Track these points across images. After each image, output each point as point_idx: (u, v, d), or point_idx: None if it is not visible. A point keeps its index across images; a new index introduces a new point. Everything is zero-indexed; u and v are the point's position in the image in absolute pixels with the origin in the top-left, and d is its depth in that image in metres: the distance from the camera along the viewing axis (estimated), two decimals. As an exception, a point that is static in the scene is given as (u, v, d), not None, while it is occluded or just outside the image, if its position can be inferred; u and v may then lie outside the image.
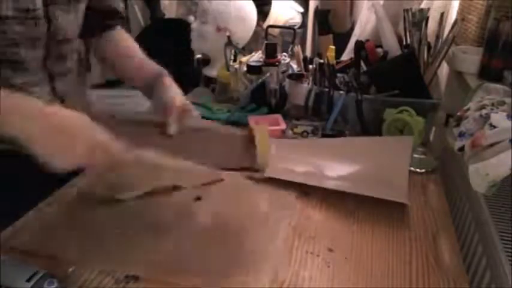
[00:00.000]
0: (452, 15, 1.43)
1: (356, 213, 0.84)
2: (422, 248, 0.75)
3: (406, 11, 1.19)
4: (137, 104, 1.74)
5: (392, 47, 1.22)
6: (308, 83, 1.24)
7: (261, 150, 0.80)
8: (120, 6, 0.98)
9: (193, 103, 1.37)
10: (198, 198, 0.87)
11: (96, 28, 0.97)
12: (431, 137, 1.21)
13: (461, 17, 1.38)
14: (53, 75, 0.87)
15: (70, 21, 0.84)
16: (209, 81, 1.66)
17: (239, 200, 0.87)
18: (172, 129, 0.85)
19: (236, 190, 0.90)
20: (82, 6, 0.88)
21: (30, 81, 0.82)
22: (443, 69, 1.39)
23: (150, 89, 0.92)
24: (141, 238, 0.75)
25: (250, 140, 0.87)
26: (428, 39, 1.19)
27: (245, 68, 1.27)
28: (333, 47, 1.32)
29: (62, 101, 0.90)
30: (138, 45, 1.01)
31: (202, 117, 1.26)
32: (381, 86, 1.15)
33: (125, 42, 1.01)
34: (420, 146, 1.05)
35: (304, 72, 1.26)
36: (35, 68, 0.82)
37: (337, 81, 1.18)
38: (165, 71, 0.95)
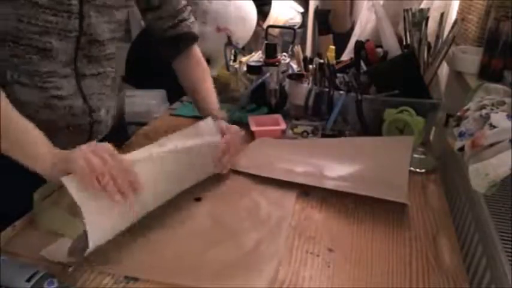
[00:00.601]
0: (452, 15, 1.43)
1: (356, 213, 0.84)
2: (422, 248, 0.75)
3: (406, 11, 1.19)
4: (134, 104, 1.75)
5: (392, 47, 1.22)
6: (308, 83, 1.24)
7: None
8: (193, 27, 1.02)
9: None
10: (198, 199, 0.87)
11: (173, 51, 1.01)
12: (431, 137, 1.21)
13: (461, 17, 1.38)
14: (81, 73, 0.88)
15: (103, 23, 0.85)
16: (209, 81, 1.66)
17: (239, 200, 0.87)
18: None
19: (236, 190, 0.90)
20: (118, 14, 0.89)
21: (56, 73, 0.83)
22: (443, 69, 1.39)
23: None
24: (141, 238, 0.75)
25: None
26: (428, 39, 1.19)
27: (245, 68, 1.27)
28: (333, 47, 1.33)
29: (85, 100, 0.90)
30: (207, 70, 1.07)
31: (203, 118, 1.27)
32: (381, 86, 1.15)
33: (200, 67, 1.06)
34: (420, 146, 1.05)
35: (304, 72, 1.26)
36: (64, 61, 0.84)
37: (337, 81, 1.18)
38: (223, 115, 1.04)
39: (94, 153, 0.68)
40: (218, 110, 1.04)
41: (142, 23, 1.03)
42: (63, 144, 0.73)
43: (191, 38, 1.01)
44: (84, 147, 0.69)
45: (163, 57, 0.99)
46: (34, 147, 0.71)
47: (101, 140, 0.92)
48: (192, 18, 1.01)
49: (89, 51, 0.86)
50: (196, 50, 1.05)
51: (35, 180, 0.86)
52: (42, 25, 0.77)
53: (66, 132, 0.87)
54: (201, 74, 1.05)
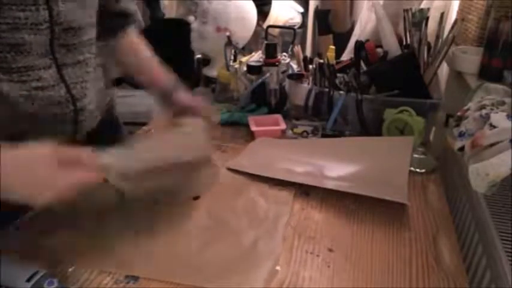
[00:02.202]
0: (452, 15, 1.43)
1: (356, 213, 0.84)
2: (422, 248, 0.75)
3: (406, 11, 1.19)
4: (134, 104, 1.75)
5: (392, 47, 1.22)
6: (308, 83, 1.24)
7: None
8: (132, 8, 0.99)
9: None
10: (196, 198, 0.87)
11: (109, 30, 0.98)
12: (431, 137, 1.21)
13: (461, 17, 1.38)
14: (61, 62, 0.86)
15: (74, 9, 0.83)
16: (209, 81, 1.67)
17: (237, 199, 0.87)
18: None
19: (235, 189, 0.90)
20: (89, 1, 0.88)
21: (34, 66, 0.81)
22: (443, 69, 1.39)
23: (164, 96, 0.97)
24: (141, 238, 0.75)
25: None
26: (428, 39, 1.19)
27: (245, 68, 1.27)
28: (333, 47, 1.33)
29: (68, 89, 0.89)
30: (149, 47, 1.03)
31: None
32: (381, 86, 1.15)
33: (139, 44, 1.03)
34: (420, 146, 1.05)
35: (304, 72, 1.26)
36: (40, 53, 0.81)
37: (337, 81, 1.18)
38: (178, 85, 0.99)
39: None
40: (170, 81, 0.99)
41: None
42: (48, 135, 0.71)
43: (130, 17, 1.00)
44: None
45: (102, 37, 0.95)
46: None
47: (91, 134, 0.91)
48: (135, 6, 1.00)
49: (65, 40, 0.84)
50: (133, 32, 1.03)
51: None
52: (12, 22, 0.74)
53: (50, 122, 0.86)
54: (144, 50, 1.02)
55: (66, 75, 0.87)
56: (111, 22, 0.97)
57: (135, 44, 1.02)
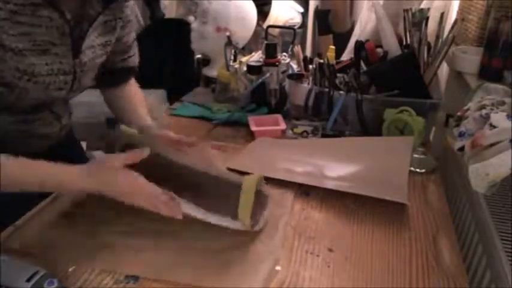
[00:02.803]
0: (452, 15, 1.43)
1: (356, 213, 0.84)
2: (422, 248, 0.75)
3: (406, 11, 1.19)
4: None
5: (392, 47, 1.22)
6: (308, 83, 1.24)
7: (242, 205, 0.74)
8: (137, 61, 1.00)
9: (193, 103, 1.38)
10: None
11: (111, 83, 0.99)
12: (431, 137, 1.21)
13: (461, 17, 1.38)
14: (56, 112, 0.89)
15: (89, 76, 0.86)
16: (209, 81, 1.66)
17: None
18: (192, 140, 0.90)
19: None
20: (99, 63, 0.88)
21: (29, 107, 0.82)
22: (443, 69, 1.39)
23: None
24: (140, 238, 0.75)
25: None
26: (428, 39, 1.19)
27: (245, 68, 1.27)
28: (333, 47, 1.33)
29: (51, 111, 0.89)
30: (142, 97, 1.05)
31: (203, 118, 1.27)
32: (381, 86, 1.15)
33: (134, 98, 1.03)
34: (420, 146, 1.05)
35: (304, 72, 1.26)
36: (41, 105, 0.84)
37: (337, 81, 1.18)
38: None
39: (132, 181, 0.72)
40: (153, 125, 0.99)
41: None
42: (33, 149, 0.76)
43: (133, 71, 1.01)
44: (122, 174, 0.72)
45: (97, 85, 0.96)
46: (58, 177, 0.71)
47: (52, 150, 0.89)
48: (137, 52, 1.00)
49: (69, 97, 0.89)
50: (133, 80, 1.04)
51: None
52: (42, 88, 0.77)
53: (36, 139, 0.87)
54: (140, 100, 1.03)
55: (54, 107, 0.89)
56: (114, 77, 0.98)
57: (132, 94, 1.02)
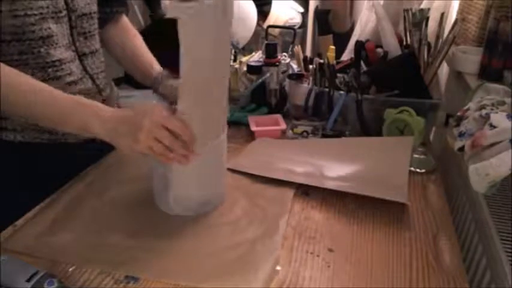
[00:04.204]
0: (452, 15, 1.43)
1: (356, 213, 0.84)
2: (422, 248, 0.75)
3: (406, 11, 1.19)
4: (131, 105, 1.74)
5: (392, 47, 1.22)
6: (308, 83, 1.24)
7: None
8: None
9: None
10: None
11: (104, 17, 1.00)
12: (431, 137, 1.21)
13: (461, 17, 1.38)
14: (81, 52, 0.90)
15: None
16: (209, 81, 1.66)
17: (236, 199, 0.87)
18: None
19: (234, 189, 0.90)
20: None
21: (64, 59, 0.85)
22: (443, 69, 1.39)
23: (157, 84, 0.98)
24: (140, 239, 0.75)
25: None
26: (428, 39, 1.19)
27: (245, 68, 1.27)
28: (333, 47, 1.33)
29: (93, 80, 0.92)
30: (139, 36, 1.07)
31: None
32: (381, 86, 1.15)
33: (131, 33, 1.06)
34: (420, 146, 1.05)
35: (304, 72, 1.26)
36: (65, 44, 0.85)
37: (337, 81, 1.18)
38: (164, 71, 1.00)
39: (157, 130, 0.70)
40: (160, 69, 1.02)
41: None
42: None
43: (123, 4, 1.03)
44: (147, 122, 0.70)
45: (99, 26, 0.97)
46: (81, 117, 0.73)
47: None
48: None
49: (82, 27, 0.88)
50: (125, 18, 1.06)
51: (35, 180, 0.86)
52: (38, 13, 0.78)
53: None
54: (138, 40, 1.06)
55: (88, 66, 0.91)
56: (105, 11, 0.99)
57: (129, 30, 1.05)
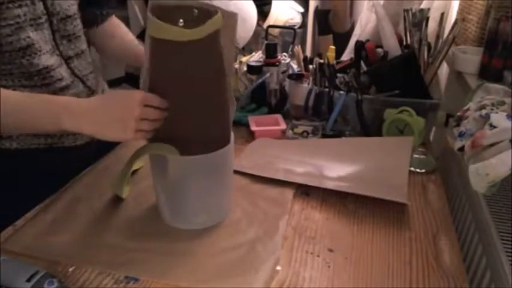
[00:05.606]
0: (452, 15, 1.43)
1: (356, 213, 0.84)
2: (422, 248, 0.75)
3: (406, 11, 1.19)
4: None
5: (392, 47, 1.22)
6: (308, 83, 1.24)
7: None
8: None
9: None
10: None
11: (93, 18, 1.00)
12: (431, 137, 1.21)
13: (461, 17, 1.38)
14: (66, 56, 0.87)
15: None
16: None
17: (237, 199, 0.87)
18: None
19: (234, 190, 0.90)
20: None
21: (50, 66, 0.82)
22: (443, 69, 1.39)
23: None
24: (140, 239, 0.75)
25: None
26: (429, 39, 1.19)
27: (245, 68, 1.27)
28: (333, 47, 1.33)
29: (83, 82, 0.91)
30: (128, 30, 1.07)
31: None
32: (381, 86, 1.15)
33: (121, 29, 1.05)
34: (420, 146, 1.05)
35: (304, 72, 1.26)
36: (48, 50, 0.82)
37: (337, 81, 1.18)
38: None
39: (140, 109, 0.67)
40: None
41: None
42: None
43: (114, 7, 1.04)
44: (133, 113, 0.66)
45: (85, 24, 0.95)
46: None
47: None
48: None
49: (65, 30, 0.86)
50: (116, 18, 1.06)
51: (35, 180, 0.86)
52: (14, 22, 0.75)
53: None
54: (127, 32, 1.06)
55: (75, 68, 0.89)
56: (91, 11, 0.98)
57: (118, 27, 1.05)
